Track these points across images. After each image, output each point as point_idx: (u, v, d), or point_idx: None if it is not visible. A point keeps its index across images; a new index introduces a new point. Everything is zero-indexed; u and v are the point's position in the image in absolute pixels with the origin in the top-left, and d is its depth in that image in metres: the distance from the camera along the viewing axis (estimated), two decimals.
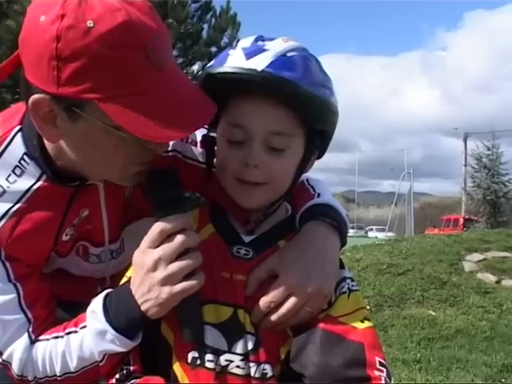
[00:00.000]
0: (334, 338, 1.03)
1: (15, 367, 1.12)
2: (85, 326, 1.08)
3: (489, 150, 30.44)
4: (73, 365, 1.09)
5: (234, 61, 1.03)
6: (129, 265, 1.14)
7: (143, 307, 1.02)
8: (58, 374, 1.11)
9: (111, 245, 1.30)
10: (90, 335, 1.06)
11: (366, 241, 12.65)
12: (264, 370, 1.03)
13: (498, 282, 7.73)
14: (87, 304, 1.11)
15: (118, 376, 1.06)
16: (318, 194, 1.18)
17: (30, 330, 1.12)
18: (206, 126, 1.23)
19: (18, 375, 1.13)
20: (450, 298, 6.99)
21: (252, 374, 1.03)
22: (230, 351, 1.04)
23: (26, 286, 1.12)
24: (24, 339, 1.11)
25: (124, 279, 1.11)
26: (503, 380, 4.55)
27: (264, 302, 1.04)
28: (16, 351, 1.11)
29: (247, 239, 1.11)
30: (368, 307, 6.31)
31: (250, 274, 1.06)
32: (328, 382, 1.00)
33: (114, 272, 1.33)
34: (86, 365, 1.09)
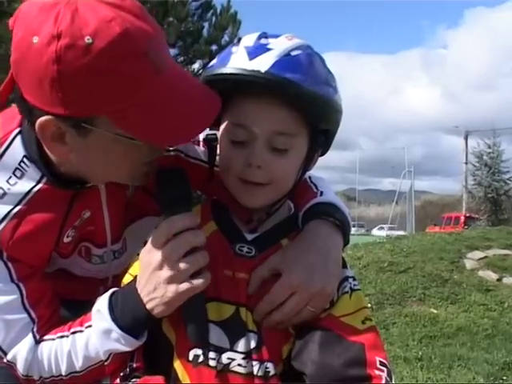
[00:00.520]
0: (335, 337, 1.03)
1: (20, 367, 1.12)
2: (90, 326, 1.08)
3: (490, 147, 30.46)
4: (78, 364, 1.10)
5: (237, 61, 1.02)
6: (130, 263, 1.14)
7: (149, 306, 1.02)
8: (63, 373, 1.11)
9: (113, 245, 1.29)
10: (96, 334, 1.06)
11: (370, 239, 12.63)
12: (267, 368, 1.03)
13: (499, 280, 7.74)
14: (90, 303, 1.11)
15: (122, 374, 1.07)
16: (321, 193, 1.17)
17: (35, 329, 1.12)
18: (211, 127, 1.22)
19: (23, 375, 1.13)
20: (451, 295, 6.99)
21: (255, 372, 1.03)
22: (232, 349, 1.04)
23: (28, 286, 1.12)
24: (29, 339, 1.11)
25: (127, 276, 1.11)
26: (505, 378, 4.55)
27: (266, 300, 1.04)
28: (21, 351, 1.11)
29: (250, 237, 1.10)
30: (369, 305, 6.31)
31: (252, 273, 1.06)
32: (328, 381, 1.00)
33: (116, 272, 1.33)
34: (91, 364, 1.09)
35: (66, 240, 1.18)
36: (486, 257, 8.47)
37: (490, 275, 7.83)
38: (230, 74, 1.01)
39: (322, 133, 1.12)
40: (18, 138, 1.11)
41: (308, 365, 1.02)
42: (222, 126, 1.11)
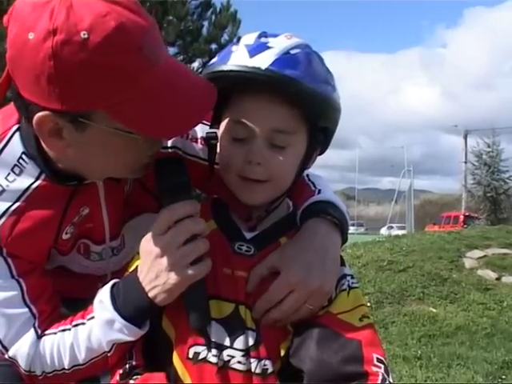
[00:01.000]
0: (332, 334, 1.04)
1: (22, 363, 1.12)
2: (92, 317, 1.09)
3: (489, 147, 30.48)
4: (81, 357, 1.10)
5: (238, 58, 1.03)
6: (130, 262, 1.14)
7: (151, 294, 1.03)
8: (66, 367, 1.11)
9: (112, 242, 1.30)
10: (98, 325, 1.07)
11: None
12: (265, 365, 1.04)
13: (498, 279, 7.74)
14: (89, 301, 1.11)
15: (121, 371, 1.07)
16: (319, 191, 1.18)
17: (36, 324, 1.12)
18: (208, 123, 1.23)
19: (25, 371, 1.13)
20: (450, 294, 6.99)
21: (253, 369, 1.03)
22: (231, 347, 1.04)
23: (28, 282, 1.13)
24: (30, 334, 1.12)
25: (132, 268, 1.11)
26: (504, 377, 4.55)
27: (265, 298, 1.05)
28: (23, 347, 1.11)
29: (249, 236, 1.11)
30: (368, 304, 6.31)
31: (251, 271, 1.07)
32: (326, 378, 1.01)
33: (114, 269, 1.34)
34: (94, 356, 1.09)
35: (64, 237, 1.18)
36: (485, 256, 8.47)
37: (489, 274, 7.83)
38: (231, 70, 1.02)
39: (321, 131, 1.13)
40: (17, 135, 1.11)
41: (306, 362, 1.03)
42: (223, 124, 1.11)
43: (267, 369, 1.04)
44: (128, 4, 0.94)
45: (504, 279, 7.72)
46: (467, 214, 30.41)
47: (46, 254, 1.19)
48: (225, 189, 1.12)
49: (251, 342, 1.04)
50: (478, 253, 8.58)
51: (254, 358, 1.04)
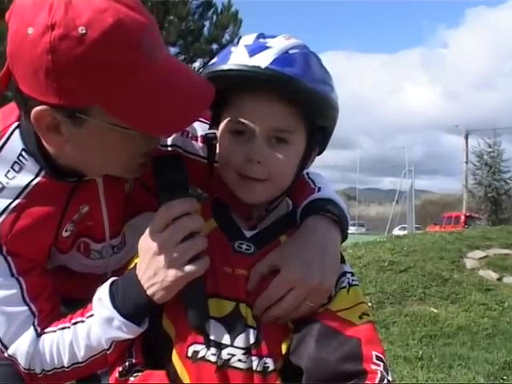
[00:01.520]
0: (332, 332, 1.04)
1: (22, 361, 1.12)
2: (92, 315, 1.09)
3: (490, 147, 30.47)
4: (80, 354, 1.10)
5: (238, 58, 1.04)
6: (130, 261, 1.14)
7: (149, 291, 1.03)
8: (65, 365, 1.11)
9: (112, 240, 1.30)
10: (98, 323, 1.07)
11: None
12: (266, 363, 1.04)
13: (499, 280, 7.73)
14: (89, 300, 1.11)
15: (120, 369, 1.07)
16: (319, 189, 1.18)
17: (35, 323, 1.12)
18: (208, 122, 1.23)
19: (25, 369, 1.13)
20: (451, 295, 6.99)
21: (254, 367, 1.03)
22: (232, 345, 1.04)
23: (28, 280, 1.13)
24: (30, 332, 1.12)
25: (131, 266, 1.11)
26: (505, 377, 4.55)
27: (265, 296, 1.05)
28: (22, 345, 1.11)
29: (249, 234, 1.11)
30: (370, 304, 6.31)
31: (251, 269, 1.07)
32: (324, 376, 1.01)
33: (115, 267, 1.34)
34: (93, 354, 1.09)
35: (64, 234, 1.18)
36: (486, 256, 8.46)
37: (491, 275, 7.83)
38: (231, 70, 1.03)
39: (320, 130, 1.13)
40: (17, 132, 1.12)
41: (305, 359, 1.03)
42: (222, 124, 1.12)
43: (268, 367, 1.04)
44: (127, 1, 0.95)
45: (505, 280, 7.72)
46: (468, 214, 30.40)
47: (46, 252, 1.19)
48: (225, 188, 1.12)
49: (252, 339, 1.04)
50: (479, 253, 8.57)
51: (254, 355, 1.04)
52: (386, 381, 0.99)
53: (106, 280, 1.10)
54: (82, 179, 1.14)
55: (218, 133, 1.13)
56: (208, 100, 1.01)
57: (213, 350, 1.04)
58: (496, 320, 6.23)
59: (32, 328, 1.12)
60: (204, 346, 1.04)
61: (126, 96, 0.93)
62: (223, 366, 1.03)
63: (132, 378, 1.06)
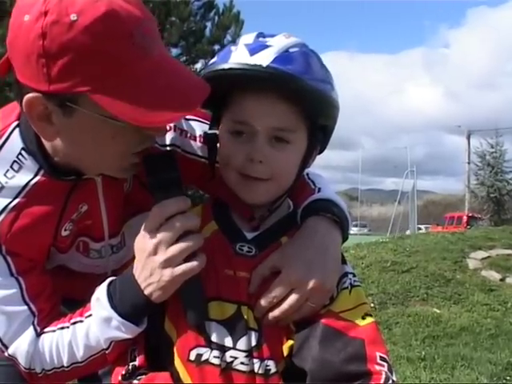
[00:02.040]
0: (335, 333, 1.03)
1: (22, 361, 1.12)
2: (90, 315, 1.09)
3: (492, 147, 30.43)
4: (80, 354, 1.10)
5: (238, 57, 1.03)
6: (133, 258, 1.14)
7: (146, 291, 1.03)
8: (65, 364, 1.12)
9: (111, 239, 1.30)
10: (96, 323, 1.07)
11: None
12: (267, 366, 1.03)
13: (502, 280, 7.71)
14: (89, 300, 1.11)
15: (123, 372, 1.07)
16: (319, 189, 1.18)
17: (35, 322, 1.13)
18: (207, 122, 1.23)
19: (25, 368, 1.13)
20: (454, 295, 6.97)
21: (256, 370, 1.03)
22: (234, 348, 1.04)
23: (28, 280, 1.13)
24: (29, 332, 1.12)
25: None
26: (508, 378, 4.53)
27: (266, 297, 1.05)
28: (22, 344, 1.11)
29: (250, 236, 1.11)
30: (372, 305, 6.30)
31: (253, 272, 1.07)
32: (329, 377, 1.01)
33: (114, 267, 1.34)
34: (92, 353, 1.09)
35: (63, 233, 1.18)
36: (489, 257, 8.45)
37: (493, 275, 7.81)
38: (232, 69, 1.02)
39: (321, 129, 1.13)
40: (16, 131, 1.12)
41: (308, 361, 1.03)
42: (223, 123, 1.12)
43: (270, 369, 1.04)
44: None
45: (508, 280, 7.70)
46: (470, 214, 30.37)
47: (46, 252, 1.19)
48: (226, 188, 1.12)
49: (254, 342, 1.04)
50: (481, 253, 8.55)
51: (256, 358, 1.03)
52: (390, 381, 0.99)
53: (106, 280, 1.10)
54: (80, 178, 1.14)
55: (219, 133, 1.13)
56: (201, 97, 1.01)
57: (216, 352, 1.04)
58: (499, 320, 6.21)
59: (32, 327, 1.12)
60: (207, 349, 1.04)
61: (115, 86, 0.93)
62: (226, 369, 1.03)
63: (135, 381, 1.05)
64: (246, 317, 1.05)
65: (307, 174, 1.22)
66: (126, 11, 0.94)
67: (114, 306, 1.05)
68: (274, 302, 1.04)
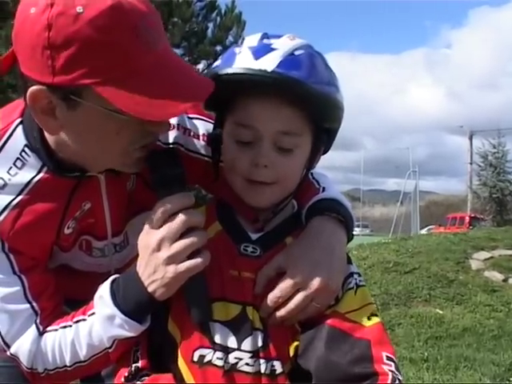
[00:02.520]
0: (341, 335, 1.03)
1: (24, 360, 1.12)
2: (93, 313, 1.08)
3: (495, 147, 30.33)
4: (82, 353, 1.10)
5: (243, 61, 1.02)
6: (136, 256, 1.14)
7: (150, 288, 1.03)
8: (68, 363, 1.11)
9: (114, 238, 1.29)
10: (99, 321, 1.07)
11: None
12: (273, 366, 1.03)
13: (505, 281, 7.69)
14: (91, 299, 1.11)
15: (126, 373, 1.06)
16: (323, 189, 1.18)
17: (38, 321, 1.12)
18: (211, 121, 1.22)
19: (27, 368, 1.13)
20: (457, 296, 6.96)
21: (262, 371, 1.03)
22: (239, 349, 1.04)
23: (30, 278, 1.12)
24: (32, 331, 1.11)
25: None
26: (511, 379, 4.53)
27: (272, 297, 1.04)
28: (25, 343, 1.11)
29: (254, 237, 1.11)
30: (374, 306, 6.28)
31: (258, 273, 1.06)
32: (335, 379, 1.00)
33: (117, 266, 1.33)
34: (95, 352, 1.09)
35: (66, 231, 1.18)
36: (491, 257, 8.42)
37: (496, 276, 7.79)
38: (236, 73, 1.02)
39: (325, 131, 1.13)
40: (20, 128, 1.12)
41: (314, 362, 1.02)
42: (226, 127, 1.11)
43: (276, 370, 1.03)
44: None
45: (511, 281, 7.68)
46: (473, 215, 30.32)
47: (49, 250, 1.19)
48: (230, 190, 1.12)
49: (260, 343, 1.04)
50: (484, 254, 8.53)
51: (262, 358, 1.03)
52: (397, 381, 0.99)
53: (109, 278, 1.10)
54: (84, 175, 1.14)
55: (223, 135, 1.12)
56: (205, 92, 1.00)
57: (219, 354, 1.03)
58: (502, 321, 6.20)
59: (34, 326, 1.12)
60: (210, 350, 1.04)
61: (119, 79, 0.93)
62: (230, 370, 1.03)
63: (139, 383, 1.05)
64: (251, 317, 1.05)
65: (311, 174, 1.22)
66: (131, 5, 0.94)
67: (117, 304, 1.04)
68: (280, 302, 1.04)
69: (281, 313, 1.04)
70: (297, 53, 1.03)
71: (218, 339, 1.04)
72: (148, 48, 0.95)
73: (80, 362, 1.11)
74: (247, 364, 1.03)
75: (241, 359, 1.03)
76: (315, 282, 1.04)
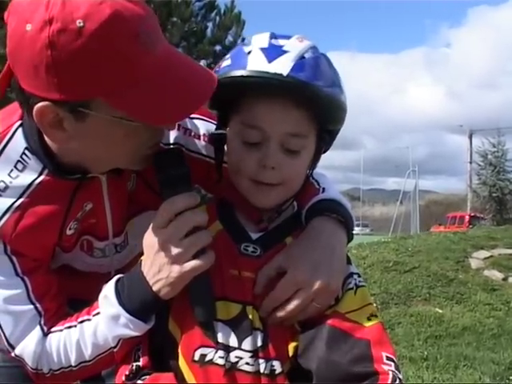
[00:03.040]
0: (341, 335, 1.03)
1: (29, 361, 1.12)
2: (98, 313, 1.09)
3: (494, 146, 30.37)
4: (87, 353, 1.10)
5: (256, 63, 1.02)
6: (137, 256, 1.13)
7: (155, 288, 1.03)
8: (73, 364, 1.11)
9: (115, 238, 1.29)
10: (104, 321, 1.07)
11: None
12: (273, 366, 1.03)
13: (504, 279, 7.70)
14: (93, 301, 1.11)
15: (127, 372, 1.07)
16: (323, 189, 1.18)
17: (42, 322, 1.12)
18: (211, 120, 1.22)
19: (32, 369, 1.13)
20: (456, 295, 6.96)
21: (261, 370, 1.03)
22: (239, 348, 1.04)
23: (33, 280, 1.13)
24: (36, 332, 1.12)
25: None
26: (511, 377, 4.53)
27: (272, 297, 1.05)
28: (29, 344, 1.11)
29: (255, 236, 1.11)
30: (374, 305, 6.28)
31: (258, 272, 1.07)
32: (335, 379, 1.01)
33: (118, 266, 1.34)
34: (100, 352, 1.09)
35: (68, 232, 1.18)
36: (491, 256, 8.43)
37: (496, 274, 7.79)
38: (251, 76, 1.01)
39: (327, 132, 1.13)
40: (19, 131, 1.11)
41: (315, 362, 1.03)
42: (232, 127, 1.11)
43: (275, 369, 1.03)
44: None
45: (511, 280, 7.68)
46: (473, 214, 30.35)
47: (51, 251, 1.19)
48: (233, 191, 1.12)
49: (259, 342, 1.04)
50: (484, 253, 8.54)
51: (262, 358, 1.03)
52: (398, 381, 0.99)
53: (110, 279, 1.10)
54: (85, 176, 1.14)
55: (228, 135, 1.12)
56: (210, 89, 1.00)
57: (221, 352, 1.03)
58: (501, 320, 6.20)
59: (38, 327, 1.12)
60: (211, 349, 1.04)
61: (126, 87, 0.93)
62: (231, 369, 1.03)
63: (139, 382, 1.05)
64: (251, 317, 1.05)
65: (311, 174, 1.23)
66: (129, 10, 0.93)
67: (122, 303, 1.05)
68: (280, 302, 1.04)
69: (281, 313, 1.04)
70: (306, 55, 1.04)
71: (219, 338, 1.04)
72: (150, 51, 0.95)
73: (85, 361, 1.11)
74: (247, 363, 1.03)
75: (241, 358, 1.03)
76: (315, 282, 1.04)
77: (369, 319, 1.07)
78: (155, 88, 0.95)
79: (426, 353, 5.10)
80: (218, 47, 9.27)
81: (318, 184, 1.20)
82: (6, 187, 1.10)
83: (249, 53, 1.05)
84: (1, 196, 1.10)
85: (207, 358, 1.04)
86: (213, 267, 1.04)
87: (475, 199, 32.01)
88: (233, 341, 1.04)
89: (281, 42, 1.05)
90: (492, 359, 4.93)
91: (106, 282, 1.10)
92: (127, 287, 1.06)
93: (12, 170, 1.10)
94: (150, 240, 1.04)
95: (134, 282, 1.06)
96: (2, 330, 1.12)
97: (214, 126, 1.21)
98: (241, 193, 1.10)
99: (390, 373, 0.99)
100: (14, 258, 1.11)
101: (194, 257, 1.02)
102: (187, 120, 1.27)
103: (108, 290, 1.07)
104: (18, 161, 1.11)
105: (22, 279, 1.12)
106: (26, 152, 1.11)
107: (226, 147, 1.14)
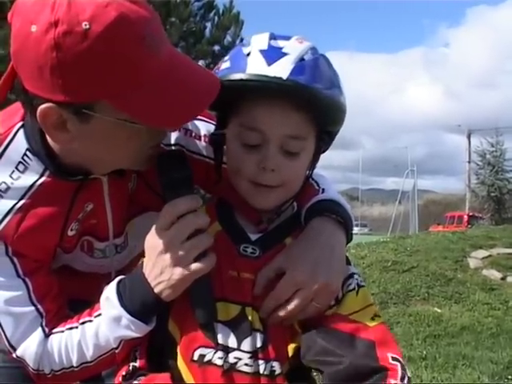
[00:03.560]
0: (345, 337, 1.03)
1: (31, 362, 1.12)
2: (99, 314, 1.09)
3: (493, 146, 30.38)
4: (89, 354, 1.10)
5: (256, 66, 1.02)
6: (137, 257, 1.14)
7: (156, 290, 1.03)
8: (74, 364, 1.12)
9: (116, 239, 1.30)
10: (106, 322, 1.07)
11: None
12: (272, 367, 1.03)
13: (503, 279, 7.71)
14: (94, 302, 1.11)
15: (124, 373, 1.07)
16: (323, 190, 1.18)
17: (43, 323, 1.13)
18: (211, 121, 1.22)
19: (34, 370, 1.13)
20: (455, 294, 6.97)
21: (261, 371, 1.03)
22: (238, 349, 1.04)
23: (34, 281, 1.13)
24: (38, 333, 1.12)
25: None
26: (510, 377, 4.53)
27: (272, 297, 1.05)
28: (31, 346, 1.11)
29: (254, 237, 1.11)
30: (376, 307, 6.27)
31: (258, 273, 1.07)
32: (343, 377, 1.00)
33: (118, 267, 1.34)
34: (102, 353, 1.10)
35: (69, 233, 1.18)
36: (489, 256, 8.44)
37: (494, 274, 7.80)
38: (251, 80, 1.01)
39: (326, 133, 1.13)
40: (21, 132, 1.11)
41: (320, 362, 1.03)
42: (231, 129, 1.11)
43: (275, 370, 1.03)
44: None
45: (509, 279, 7.69)
46: (471, 213, 30.37)
47: (52, 252, 1.19)
48: (233, 192, 1.12)
49: (259, 343, 1.04)
50: (482, 253, 8.55)
51: (261, 359, 1.03)
52: (406, 378, 0.99)
53: (110, 280, 1.10)
54: (87, 177, 1.14)
55: (227, 137, 1.12)
56: (214, 91, 1.00)
57: (219, 353, 1.04)
58: (500, 319, 6.21)
59: (40, 328, 1.12)
60: (210, 350, 1.04)
61: (131, 90, 0.93)
62: (229, 370, 1.03)
63: (135, 382, 1.05)
64: (250, 318, 1.05)
65: (311, 175, 1.23)
66: (135, 13, 0.92)
67: (123, 305, 1.05)
68: (280, 302, 1.04)
69: (280, 313, 1.04)
70: (306, 57, 1.03)
71: (219, 339, 1.04)
72: (155, 54, 0.94)
73: (87, 362, 1.11)
74: (246, 364, 1.03)
75: (240, 359, 1.03)
76: (315, 283, 1.04)
77: (372, 319, 1.07)
78: (160, 91, 0.95)
79: (424, 352, 5.11)
80: (216, 47, 9.27)
81: (318, 185, 1.20)
82: (8, 188, 1.10)
83: (248, 54, 1.04)
84: (2, 197, 1.10)
85: (206, 359, 1.04)
86: (213, 269, 1.04)
87: (474, 199, 32.02)
88: (232, 341, 1.04)
89: (280, 43, 1.05)
90: (490, 358, 4.93)
91: (107, 282, 1.10)
92: (129, 289, 1.06)
93: (13, 172, 1.10)
94: (152, 242, 1.04)
95: (136, 283, 1.06)
96: (4, 332, 1.12)
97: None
98: (240, 194, 1.10)
99: (399, 369, 0.99)
100: (16, 260, 1.11)
101: (196, 259, 1.02)
102: None
103: (110, 291, 1.07)
104: (20, 162, 1.11)
105: (24, 280, 1.12)
106: (28, 153, 1.11)
107: (225, 148, 1.14)
